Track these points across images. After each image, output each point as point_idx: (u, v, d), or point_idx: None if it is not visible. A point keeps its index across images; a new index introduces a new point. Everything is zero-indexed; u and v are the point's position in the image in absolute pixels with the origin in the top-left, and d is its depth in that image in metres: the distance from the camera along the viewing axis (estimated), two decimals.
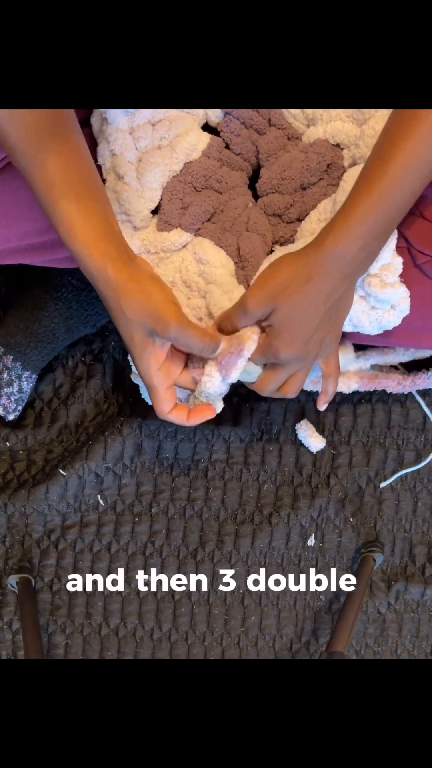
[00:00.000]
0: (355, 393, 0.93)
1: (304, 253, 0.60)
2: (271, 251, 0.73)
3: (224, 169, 0.73)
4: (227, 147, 0.74)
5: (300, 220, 0.72)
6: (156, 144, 0.71)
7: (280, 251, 0.71)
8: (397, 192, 0.56)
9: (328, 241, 0.58)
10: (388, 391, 0.87)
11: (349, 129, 0.69)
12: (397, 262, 0.65)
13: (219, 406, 0.67)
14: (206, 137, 0.73)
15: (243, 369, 0.64)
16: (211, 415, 0.66)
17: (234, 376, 0.64)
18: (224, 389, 0.66)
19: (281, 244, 0.73)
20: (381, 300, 0.65)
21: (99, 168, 0.73)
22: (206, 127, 0.75)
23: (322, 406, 0.71)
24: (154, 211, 0.73)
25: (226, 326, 0.64)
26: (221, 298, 0.69)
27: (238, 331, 0.64)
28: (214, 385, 0.65)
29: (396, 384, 0.87)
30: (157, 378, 0.62)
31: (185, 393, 0.70)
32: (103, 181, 0.72)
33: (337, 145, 0.71)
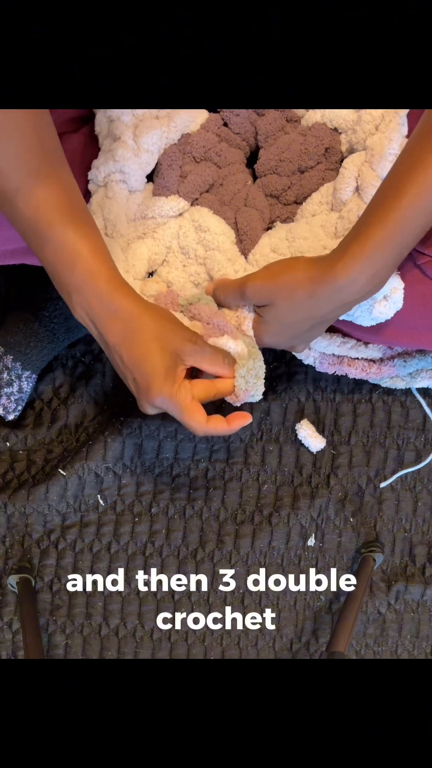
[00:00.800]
0: (355, 393, 0.93)
1: (317, 267, 0.59)
2: (269, 227, 0.73)
3: (223, 144, 0.73)
4: (225, 126, 0.74)
5: (297, 202, 0.73)
6: (154, 114, 0.71)
7: (281, 227, 0.72)
8: (411, 224, 0.57)
9: (340, 266, 0.58)
10: (350, 376, 0.85)
11: (346, 114, 0.70)
12: None
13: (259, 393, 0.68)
14: (204, 113, 0.73)
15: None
16: (248, 419, 0.66)
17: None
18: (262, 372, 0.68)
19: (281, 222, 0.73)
20: None
21: (96, 138, 0.72)
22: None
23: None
24: (149, 179, 0.73)
25: (219, 296, 0.66)
26: (225, 264, 0.70)
27: (229, 303, 0.66)
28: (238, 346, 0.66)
29: (359, 371, 0.84)
30: (185, 390, 0.60)
31: None
32: (98, 150, 0.72)
33: (335, 130, 0.71)
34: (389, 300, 0.66)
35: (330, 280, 0.58)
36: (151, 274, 0.73)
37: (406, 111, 0.67)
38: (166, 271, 0.72)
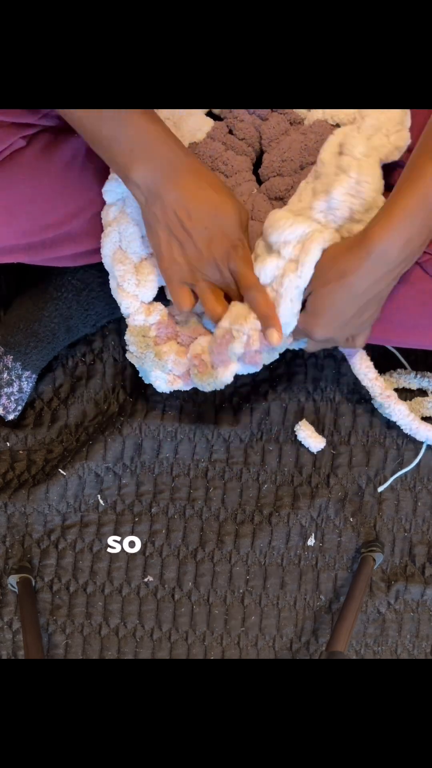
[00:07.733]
0: (354, 393, 0.93)
1: (350, 242, 0.60)
2: None
3: (229, 152, 0.73)
4: (231, 133, 0.75)
5: None
6: None
7: None
8: None
9: (369, 236, 0.58)
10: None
11: (348, 110, 0.70)
12: None
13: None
14: (210, 121, 0.73)
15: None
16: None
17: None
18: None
19: None
20: None
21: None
22: (210, 114, 0.76)
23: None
24: None
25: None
26: None
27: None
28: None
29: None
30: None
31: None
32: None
33: (337, 125, 0.72)
34: None
35: (362, 251, 0.59)
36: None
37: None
38: (168, 291, 0.72)
